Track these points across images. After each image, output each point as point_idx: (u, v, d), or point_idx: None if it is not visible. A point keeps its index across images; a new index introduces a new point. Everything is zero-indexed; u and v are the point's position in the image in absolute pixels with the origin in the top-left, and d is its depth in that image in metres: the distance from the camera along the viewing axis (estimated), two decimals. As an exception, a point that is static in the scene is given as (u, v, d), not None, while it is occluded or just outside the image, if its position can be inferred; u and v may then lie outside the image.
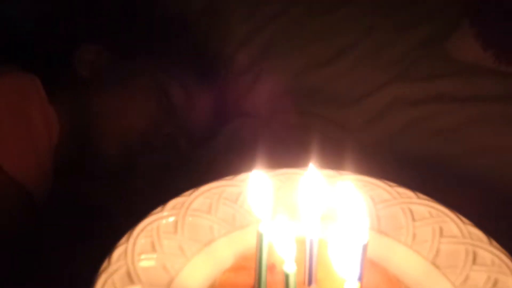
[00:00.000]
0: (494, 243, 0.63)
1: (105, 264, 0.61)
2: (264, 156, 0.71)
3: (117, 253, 0.62)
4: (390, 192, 0.69)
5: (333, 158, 0.74)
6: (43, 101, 0.81)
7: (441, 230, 0.65)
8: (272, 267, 0.61)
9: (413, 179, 0.72)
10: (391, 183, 0.70)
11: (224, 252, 0.65)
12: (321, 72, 1.06)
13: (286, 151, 0.83)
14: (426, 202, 0.68)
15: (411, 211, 0.67)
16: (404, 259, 0.64)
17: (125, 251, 0.62)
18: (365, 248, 0.55)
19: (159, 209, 0.67)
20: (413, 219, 0.67)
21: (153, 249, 0.64)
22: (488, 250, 0.62)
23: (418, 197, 0.68)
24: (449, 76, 0.97)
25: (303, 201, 0.58)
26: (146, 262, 0.62)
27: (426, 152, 0.84)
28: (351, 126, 0.99)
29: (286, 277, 0.52)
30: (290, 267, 0.53)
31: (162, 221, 0.66)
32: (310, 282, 0.59)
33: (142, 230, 0.65)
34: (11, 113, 0.77)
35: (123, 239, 0.63)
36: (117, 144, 0.85)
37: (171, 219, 0.67)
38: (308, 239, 0.58)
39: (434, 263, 0.63)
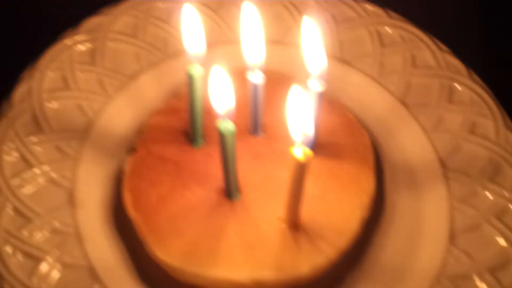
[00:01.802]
0: (475, 76, 0.53)
1: (4, 107, 0.50)
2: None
3: (19, 92, 0.50)
4: (356, 9, 0.57)
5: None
6: None
7: (413, 58, 0.54)
8: (210, 109, 0.50)
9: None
10: (358, -2, 0.57)
11: (154, 87, 0.54)
12: None
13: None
14: (399, 23, 0.56)
15: (379, 35, 0.56)
16: (368, 95, 0.54)
17: (29, 90, 0.51)
18: (320, 97, 0.45)
19: (70, 32, 0.54)
20: (382, 45, 0.55)
21: (66, 85, 0.52)
22: (466, 85, 0.53)
23: (390, 17, 0.56)
24: None
25: (245, 29, 0.46)
26: (56, 102, 0.51)
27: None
28: None
29: (222, 137, 0.42)
30: (226, 125, 0.42)
31: (75, 48, 0.53)
32: (255, 131, 0.49)
33: (50, 61, 0.52)
34: None
35: (25, 74, 0.51)
36: None
37: (87, 45, 0.54)
38: (251, 82, 0.46)
39: (402, 101, 0.53)
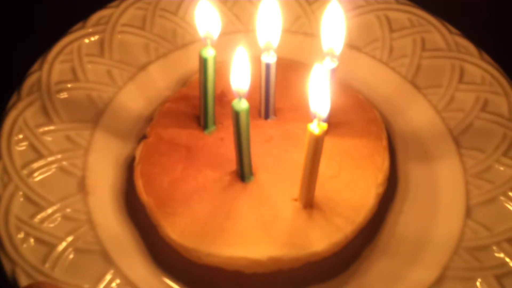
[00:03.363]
0: (485, 56, 0.53)
1: (13, 98, 0.49)
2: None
3: (28, 84, 0.50)
4: (364, -5, 0.57)
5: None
6: None
7: (423, 41, 0.54)
8: (221, 96, 0.50)
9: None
10: (365, -15, 0.57)
11: (163, 77, 0.54)
12: None
13: None
14: (407, 7, 0.56)
15: (388, 19, 0.56)
16: (378, 79, 0.53)
17: (39, 81, 0.51)
18: (333, 73, 0.45)
19: (79, 25, 0.54)
20: (391, 30, 0.55)
21: (75, 76, 0.52)
22: (477, 65, 0.52)
23: (398, 2, 0.56)
24: None
25: (260, 14, 0.46)
26: (66, 93, 0.51)
27: None
28: None
29: (236, 115, 0.42)
30: (240, 103, 0.41)
31: (84, 40, 0.54)
32: (267, 115, 0.49)
33: (58, 53, 0.52)
34: None
35: (35, 66, 0.52)
36: None
37: (96, 37, 0.54)
38: (264, 62, 0.46)
39: (413, 83, 0.53)
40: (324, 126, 0.40)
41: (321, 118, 0.39)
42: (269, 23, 0.45)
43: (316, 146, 0.41)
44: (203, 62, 0.45)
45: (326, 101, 0.40)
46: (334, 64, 0.44)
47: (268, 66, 0.46)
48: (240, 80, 0.41)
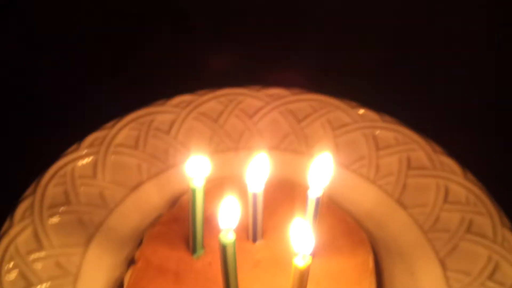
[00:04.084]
0: (470, 175, 0.54)
1: (6, 224, 0.50)
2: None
3: (21, 209, 0.51)
4: (350, 113, 0.58)
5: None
6: None
7: (408, 160, 0.55)
8: (210, 218, 0.51)
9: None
10: (352, 103, 0.59)
11: (155, 197, 0.55)
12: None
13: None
14: (393, 125, 0.57)
15: (374, 138, 0.57)
16: (365, 196, 0.54)
17: (31, 206, 0.52)
18: (319, 204, 0.46)
19: (73, 147, 0.56)
20: (377, 148, 0.56)
21: (67, 199, 0.53)
22: (462, 185, 0.53)
23: (383, 120, 0.58)
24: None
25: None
26: (58, 217, 0.52)
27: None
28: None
29: (223, 248, 0.42)
30: (227, 237, 0.42)
31: (77, 162, 0.55)
32: (255, 239, 0.50)
33: (52, 177, 0.54)
34: None
35: (29, 191, 0.53)
36: None
37: (89, 159, 0.55)
38: (251, 193, 0.47)
39: (399, 201, 0.53)
40: (309, 259, 0.40)
41: (305, 250, 0.40)
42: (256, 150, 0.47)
43: (301, 278, 0.41)
44: (192, 192, 0.46)
45: (310, 238, 0.41)
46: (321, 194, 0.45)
47: (255, 195, 0.47)
48: (228, 222, 0.43)
